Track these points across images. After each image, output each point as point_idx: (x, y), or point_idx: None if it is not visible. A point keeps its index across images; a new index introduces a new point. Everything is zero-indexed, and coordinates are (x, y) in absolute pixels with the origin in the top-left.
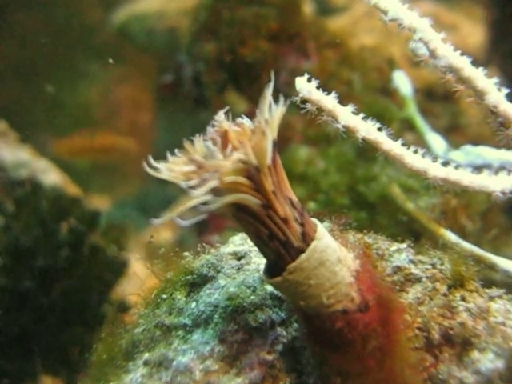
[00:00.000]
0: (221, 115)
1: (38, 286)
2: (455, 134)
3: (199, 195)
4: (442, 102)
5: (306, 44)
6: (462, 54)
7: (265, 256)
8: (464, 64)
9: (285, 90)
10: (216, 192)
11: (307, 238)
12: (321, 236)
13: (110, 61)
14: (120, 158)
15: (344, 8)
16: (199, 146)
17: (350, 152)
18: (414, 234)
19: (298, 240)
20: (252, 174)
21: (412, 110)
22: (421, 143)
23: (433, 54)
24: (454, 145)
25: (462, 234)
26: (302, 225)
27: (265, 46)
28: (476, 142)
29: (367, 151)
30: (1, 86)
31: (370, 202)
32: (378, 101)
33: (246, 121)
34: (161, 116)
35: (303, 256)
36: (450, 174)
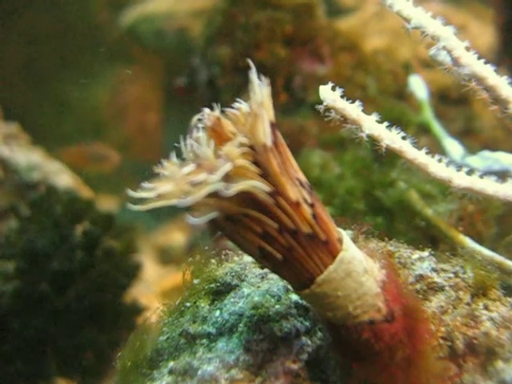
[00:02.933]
0: (205, 112)
1: (53, 288)
2: (469, 137)
3: (215, 180)
4: (456, 106)
5: (321, 48)
6: None
7: (266, 259)
8: (488, 73)
9: (300, 94)
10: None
11: (319, 221)
12: (347, 247)
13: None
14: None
15: (353, 9)
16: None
17: (365, 157)
18: (431, 239)
19: (307, 226)
20: (256, 158)
21: (428, 115)
22: (436, 147)
23: (456, 62)
24: (469, 149)
25: (479, 239)
26: (311, 205)
27: (280, 50)
28: (490, 146)
29: (383, 156)
30: (10, 88)
31: (386, 208)
32: (395, 105)
33: (242, 104)
34: (171, 118)
35: (331, 268)
36: (474, 182)
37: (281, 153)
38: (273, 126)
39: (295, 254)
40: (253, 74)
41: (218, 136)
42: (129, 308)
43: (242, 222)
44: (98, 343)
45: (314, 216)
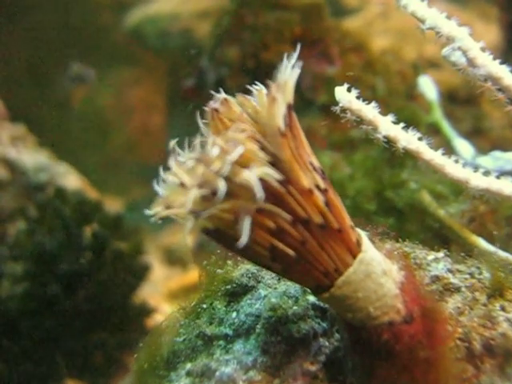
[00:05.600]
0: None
1: (62, 290)
2: (478, 137)
3: (229, 162)
4: (465, 106)
5: (330, 49)
6: None
7: (278, 260)
8: (504, 73)
9: (309, 95)
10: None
11: (332, 208)
12: (366, 248)
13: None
14: None
15: (356, 9)
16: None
17: (376, 157)
18: (443, 240)
19: (318, 215)
20: (263, 145)
21: (438, 115)
22: (446, 148)
23: (472, 62)
24: (478, 149)
25: (491, 240)
26: (324, 191)
27: (288, 50)
28: (499, 146)
29: (393, 157)
30: (15, 90)
31: (398, 208)
32: (405, 106)
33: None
34: (176, 120)
35: (350, 269)
36: (491, 183)
37: (295, 136)
38: (289, 108)
39: (308, 247)
40: (294, 57)
41: (222, 125)
42: (137, 309)
43: (254, 220)
44: (108, 344)
45: (327, 203)
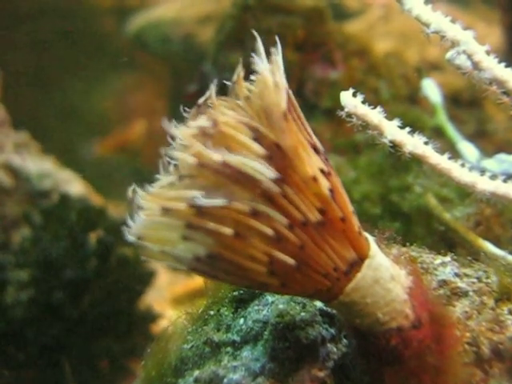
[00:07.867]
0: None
1: (67, 297)
2: (482, 140)
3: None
4: (469, 108)
5: (333, 53)
6: None
7: (276, 274)
8: (509, 76)
9: (312, 99)
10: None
11: (335, 195)
12: (374, 253)
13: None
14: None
15: (358, 13)
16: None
17: (381, 161)
18: (449, 244)
19: (315, 213)
20: (262, 133)
21: (443, 119)
22: (451, 151)
23: (477, 66)
24: (482, 151)
25: (497, 243)
26: (328, 174)
27: (291, 55)
28: (503, 148)
29: (398, 160)
30: (18, 96)
31: (403, 212)
32: (409, 109)
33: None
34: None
35: (359, 275)
36: (498, 187)
37: (295, 119)
38: (287, 91)
39: (307, 251)
40: (258, 42)
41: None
42: (143, 315)
43: (250, 229)
44: (113, 351)
45: (331, 189)
